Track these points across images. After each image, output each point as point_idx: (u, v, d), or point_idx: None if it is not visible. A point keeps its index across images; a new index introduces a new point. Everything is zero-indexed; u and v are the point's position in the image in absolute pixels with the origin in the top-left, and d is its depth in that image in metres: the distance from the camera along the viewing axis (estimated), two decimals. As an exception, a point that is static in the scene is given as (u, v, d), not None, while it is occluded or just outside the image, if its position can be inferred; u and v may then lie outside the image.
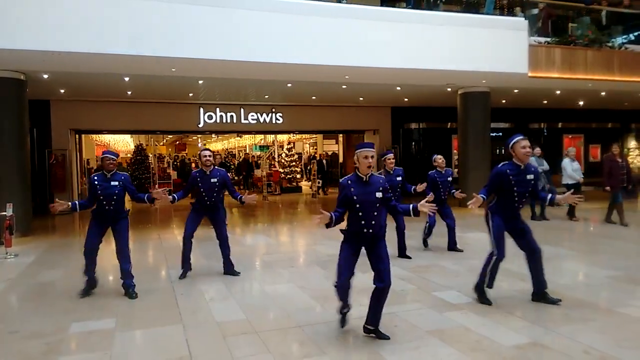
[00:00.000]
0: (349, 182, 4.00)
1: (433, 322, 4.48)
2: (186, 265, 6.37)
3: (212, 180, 6.16)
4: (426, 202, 3.96)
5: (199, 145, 29.80)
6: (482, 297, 4.99)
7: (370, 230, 3.96)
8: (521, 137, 4.81)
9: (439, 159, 7.57)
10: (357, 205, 3.92)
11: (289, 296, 5.43)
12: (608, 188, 9.75)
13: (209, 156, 6.22)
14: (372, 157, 3.96)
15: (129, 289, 5.55)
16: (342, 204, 4.00)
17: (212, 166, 6.25)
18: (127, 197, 5.69)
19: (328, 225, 3.97)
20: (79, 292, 5.59)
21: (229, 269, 6.41)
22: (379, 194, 3.95)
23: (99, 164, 13.36)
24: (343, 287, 4.08)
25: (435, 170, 7.55)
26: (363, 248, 4.08)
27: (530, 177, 4.80)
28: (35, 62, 8.90)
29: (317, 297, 5.31)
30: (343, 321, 4.34)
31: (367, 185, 3.97)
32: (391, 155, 7.11)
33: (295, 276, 6.31)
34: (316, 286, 5.77)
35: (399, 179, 7.04)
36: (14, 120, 9.92)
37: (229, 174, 6.77)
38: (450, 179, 7.55)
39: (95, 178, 5.53)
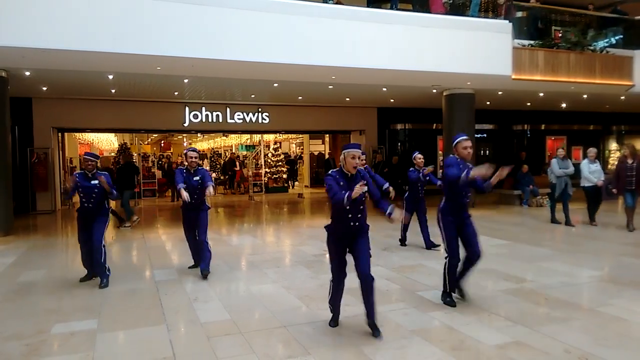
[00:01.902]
0: (337, 176, 4.06)
1: (417, 322, 4.51)
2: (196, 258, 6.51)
3: (195, 178, 6.14)
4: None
5: (184, 144, 29.55)
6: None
7: (357, 224, 4.07)
8: (464, 137, 4.93)
9: (419, 158, 7.81)
10: None
11: (274, 296, 5.41)
12: (614, 190, 9.37)
13: (195, 158, 6.19)
14: (359, 157, 4.05)
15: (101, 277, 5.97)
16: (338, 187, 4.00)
17: (197, 166, 6.23)
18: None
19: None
20: (80, 278, 6.05)
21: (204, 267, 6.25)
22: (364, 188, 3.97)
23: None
24: (339, 286, 4.28)
25: (414, 168, 7.78)
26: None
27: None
28: (16, 58, 8.75)
29: (302, 297, 5.31)
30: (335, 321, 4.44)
31: (352, 181, 4.03)
32: (363, 157, 7.42)
33: (281, 276, 6.29)
34: (301, 286, 5.77)
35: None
36: (-5, 118, 9.76)
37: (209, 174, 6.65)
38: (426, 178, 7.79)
39: (77, 176, 5.90)
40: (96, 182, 5.79)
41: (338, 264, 4.22)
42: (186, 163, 6.20)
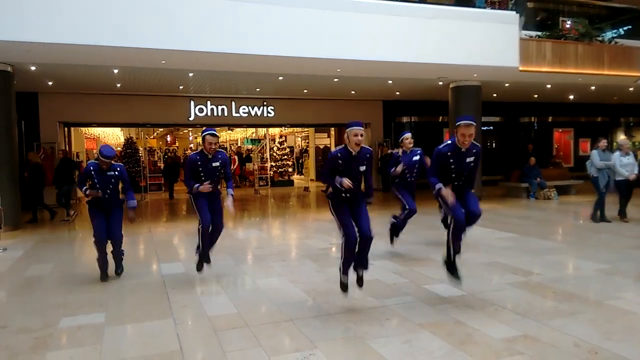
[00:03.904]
0: (339, 154, 4.40)
1: (424, 315, 4.49)
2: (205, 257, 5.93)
3: (214, 164, 5.57)
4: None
5: (190, 138, 29.57)
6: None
7: (348, 195, 4.49)
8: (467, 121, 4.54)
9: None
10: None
11: (280, 290, 5.41)
12: None
13: (215, 144, 5.55)
14: (362, 135, 4.36)
15: (118, 265, 6.07)
16: (332, 173, 4.46)
17: (216, 151, 5.66)
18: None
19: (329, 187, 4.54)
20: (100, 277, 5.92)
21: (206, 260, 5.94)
22: (362, 168, 4.47)
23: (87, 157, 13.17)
24: (352, 243, 4.47)
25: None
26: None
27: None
28: (21, 53, 8.76)
29: (308, 291, 5.30)
30: (345, 287, 4.70)
31: (354, 159, 4.40)
32: (408, 135, 7.05)
33: (287, 270, 6.29)
34: (308, 280, 5.77)
35: (417, 158, 6.92)
36: (1, 113, 9.78)
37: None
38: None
39: (92, 167, 5.70)
40: (112, 173, 5.66)
41: (347, 222, 4.45)
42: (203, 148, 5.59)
